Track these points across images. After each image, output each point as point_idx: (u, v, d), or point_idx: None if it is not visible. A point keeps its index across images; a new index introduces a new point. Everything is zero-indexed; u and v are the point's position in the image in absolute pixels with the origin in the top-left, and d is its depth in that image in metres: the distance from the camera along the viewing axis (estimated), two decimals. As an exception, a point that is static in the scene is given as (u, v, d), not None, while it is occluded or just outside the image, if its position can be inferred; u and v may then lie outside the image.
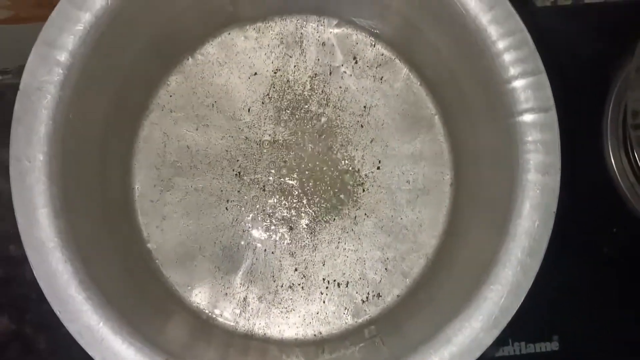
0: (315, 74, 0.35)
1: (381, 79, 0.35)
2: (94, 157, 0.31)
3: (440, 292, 0.32)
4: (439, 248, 0.34)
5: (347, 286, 0.34)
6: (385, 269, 0.34)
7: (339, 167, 0.35)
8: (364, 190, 0.35)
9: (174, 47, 0.34)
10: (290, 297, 0.34)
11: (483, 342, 0.26)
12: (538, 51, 0.27)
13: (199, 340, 0.32)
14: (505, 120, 0.28)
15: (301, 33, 0.35)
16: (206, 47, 0.35)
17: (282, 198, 0.35)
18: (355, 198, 0.35)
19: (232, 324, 0.34)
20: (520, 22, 0.27)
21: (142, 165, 0.34)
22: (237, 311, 0.34)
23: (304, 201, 0.35)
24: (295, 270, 0.34)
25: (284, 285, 0.34)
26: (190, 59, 0.35)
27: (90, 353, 0.26)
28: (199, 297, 0.34)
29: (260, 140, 0.35)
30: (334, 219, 0.35)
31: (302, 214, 0.35)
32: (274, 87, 0.35)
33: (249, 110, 0.35)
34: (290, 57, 0.35)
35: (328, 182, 0.35)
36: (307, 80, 0.35)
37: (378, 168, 0.35)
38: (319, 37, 0.35)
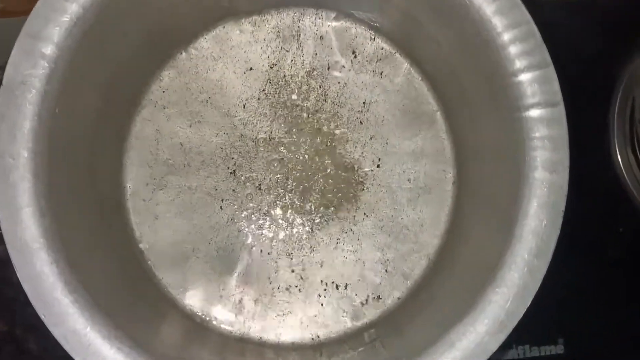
0: (313, 69, 0.35)
1: (381, 74, 0.35)
2: (83, 154, 0.30)
3: (443, 294, 0.31)
4: (440, 248, 0.34)
5: (346, 288, 0.34)
6: (386, 270, 0.34)
7: (337, 165, 0.34)
8: (363, 189, 0.34)
9: (166, 41, 0.34)
10: (287, 299, 0.34)
11: (488, 347, 0.26)
12: (544, 46, 0.27)
13: (192, 344, 0.31)
14: (510, 115, 0.27)
15: (298, 26, 0.35)
16: (200, 41, 0.35)
17: (279, 197, 0.34)
18: (354, 197, 0.34)
19: (227, 327, 0.33)
20: (526, 13, 0.27)
21: (133, 162, 0.34)
22: (232, 314, 0.34)
23: (301, 200, 0.34)
24: (293, 271, 0.34)
25: (280, 287, 0.34)
26: (183, 54, 0.35)
27: (76, 359, 0.25)
28: (193, 299, 0.33)
29: (255, 138, 0.35)
30: (333, 219, 0.34)
31: (300, 214, 0.34)
32: (270, 83, 0.35)
33: (244, 106, 0.35)
34: (287, 51, 0.35)
35: (326, 181, 0.34)
36: (304, 76, 0.35)
37: (378, 166, 0.34)
38: (316, 30, 0.35)
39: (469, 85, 0.31)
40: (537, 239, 0.26)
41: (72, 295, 0.25)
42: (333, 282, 0.34)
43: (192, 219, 0.34)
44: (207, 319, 0.33)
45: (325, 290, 0.34)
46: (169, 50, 0.34)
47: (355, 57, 0.35)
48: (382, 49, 0.35)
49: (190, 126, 0.34)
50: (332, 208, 0.34)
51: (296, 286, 0.34)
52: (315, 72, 0.35)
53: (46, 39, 0.26)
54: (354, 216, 0.34)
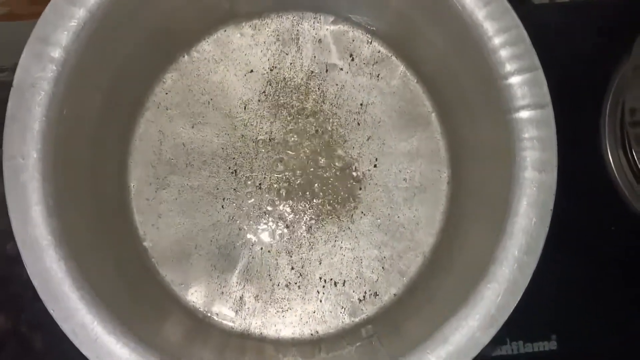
0: (312, 72, 0.35)
1: (378, 76, 0.35)
2: (89, 155, 0.30)
3: (438, 291, 0.31)
4: (436, 246, 0.34)
5: (344, 285, 0.34)
6: (382, 267, 0.34)
7: (335, 165, 0.35)
8: (360, 189, 0.35)
9: (169, 44, 0.34)
10: (287, 296, 0.34)
11: (480, 340, 0.26)
12: (535, 49, 0.27)
13: (194, 340, 0.31)
14: (502, 117, 0.27)
15: (297, 30, 0.35)
16: (202, 44, 0.35)
17: (279, 196, 0.35)
18: (351, 196, 0.35)
19: (228, 323, 0.34)
20: (516, 18, 0.27)
21: (137, 163, 0.34)
22: (234, 310, 0.34)
23: (301, 199, 0.35)
24: (292, 268, 0.34)
25: (280, 284, 0.34)
26: (185, 56, 0.35)
27: (84, 352, 0.25)
28: (195, 296, 0.34)
29: (256, 138, 0.35)
30: (331, 217, 0.35)
31: (299, 212, 0.35)
32: (270, 85, 0.35)
33: (245, 107, 0.35)
34: (287, 54, 0.35)
35: (324, 180, 0.35)
36: (303, 78, 0.35)
37: (375, 166, 0.35)
38: (315, 34, 0.35)
39: (463, 87, 0.31)
40: (527, 236, 0.26)
41: (79, 291, 0.26)
42: (331, 279, 0.34)
43: (194, 218, 0.34)
44: (209, 315, 0.34)
45: (323, 287, 0.34)
46: (171, 53, 0.35)
47: (352, 60, 0.35)
48: (378, 52, 0.35)
49: (193, 127, 0.35)
50: (331, 207, 0.35)
51: (295, 283, 0.34)
52: (313, 75, 0.35)
53: (54, 43, 0.26)
54: (352, 215, 0.34)
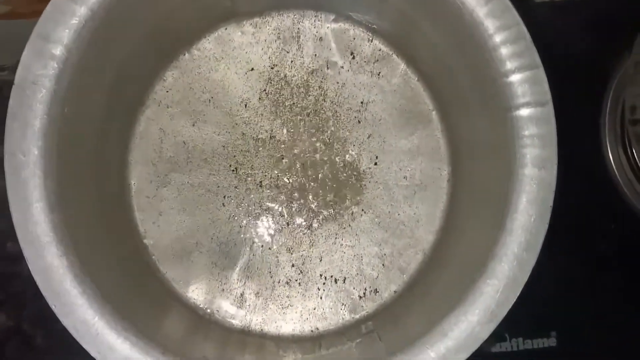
0: (313, 70, 0.35)
1: (378, 75, 0.35)
2: (90, 152, 0.30)
3: (437, 288, 0.31)
4: (436, 244, 0.34)
5: (344, 282, 0.34)
6: (383, 264, 0.34)
7: (336, 163, 0.35)
8: (361, 186, 0.35)
9: (170, 42, 0.34)
10: (287, 293, 0.34)
11: (479, 336, 0.26)
12: (536, 47, 0.27)
13: (195, 336, 0.31)
14: (502, 114, 0.28)
15: (298, 28, 0.35)
16: (203, 42, 0.35)
17: (279, 194, 0.35)
18: (352, 194, 0.35)
19: (229, 319, 0.34)
20: (516, 15, 0.27)
21: (138, 160, 0.34)
22: (234, 307, 0.34)
23: (301, 197, 0.35)
24: (293, 266, 0.34)
25: (281, 281, 0.34)
26: (186, 54, 0.35)
27: (85, 347, 0.25)
28: (196, 292, 0.34)
29: (256, 136, 0.35)
30: (331, 215, 0.35)
31: (299, 210, 0.35)
32: (271, 83, 0.35)
33: (245, 105, 0.35)
34: (287, 52, 0.35)
35: (325, 178, 0.35)
36: (304, 76, 0.35)
37: (375, 164, 0.35)
38: (316, 32, 0.35)
39: (464, 85, 0.31)
40: (526, 233, 0.26)
41: (80, 287, 0.26)
42: (332, 276, 0.34)
43: (195, 215, 0.34)
44: (210, 311, 0.34)
45: (324, 284, 0.34)
46: (172, 52, 0.35)
47: (353, 58, 0.35)
48: (379, 50, 0.35)
49: (193, 125, 0.35)
50: (331, 204, 0.35)
51: (296, 280, 0.34)
52: (314, 73, 0.35)
53: (56, 41, 0.27)
54: (352, 212, 0.35)
